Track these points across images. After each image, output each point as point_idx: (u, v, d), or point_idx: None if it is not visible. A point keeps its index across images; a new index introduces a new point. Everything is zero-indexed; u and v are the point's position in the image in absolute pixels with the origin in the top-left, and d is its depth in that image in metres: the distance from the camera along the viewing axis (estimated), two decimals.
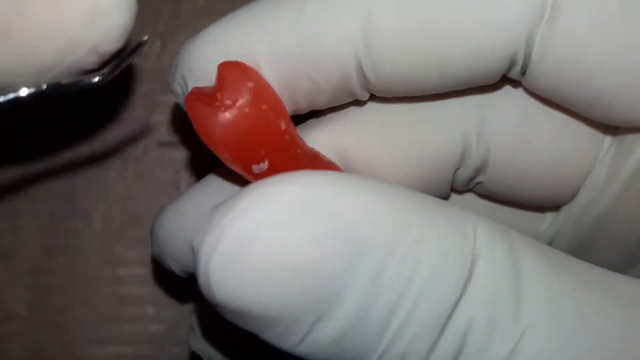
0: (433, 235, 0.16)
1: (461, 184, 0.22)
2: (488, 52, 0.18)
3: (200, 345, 0.24)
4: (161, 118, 0.30)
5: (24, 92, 0.16)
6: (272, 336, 0.16)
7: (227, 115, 0.18)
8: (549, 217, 0.24)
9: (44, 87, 0.16)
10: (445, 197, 0.23)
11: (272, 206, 0.15)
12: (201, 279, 0.15)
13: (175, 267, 0.23)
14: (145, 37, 0.19)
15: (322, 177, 0.16)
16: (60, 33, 0.16)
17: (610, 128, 0.21)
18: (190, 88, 0.19)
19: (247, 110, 0.18)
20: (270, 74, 0.19)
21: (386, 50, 0.18)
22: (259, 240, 0.15)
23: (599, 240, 0.21)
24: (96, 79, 0.17)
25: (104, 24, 0.17)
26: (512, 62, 0.19)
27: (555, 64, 0.18)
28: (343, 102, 0.20)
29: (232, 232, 0.15)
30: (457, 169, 0.21)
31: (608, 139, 0.21)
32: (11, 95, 0.16)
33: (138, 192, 0.30)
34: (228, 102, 0.18)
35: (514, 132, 0.21)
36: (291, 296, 0.15)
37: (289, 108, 0.20)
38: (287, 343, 0.16)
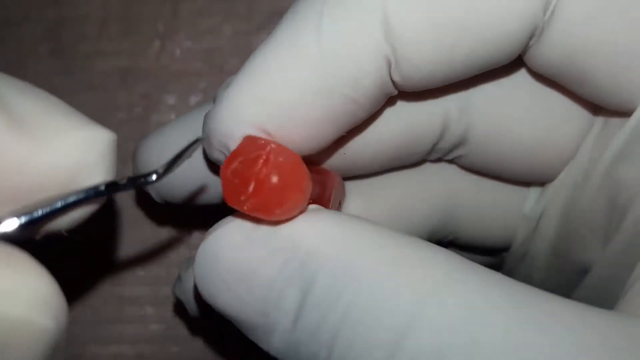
0: (379, 270, 0.17)
1: (437, 154, 0.23)
2: (510, 34, 0.18)
3: (184, 293, 0.24)
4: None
5: (81, 194, 0.15)
6: (253, 338, 0.18)
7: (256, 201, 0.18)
8: (534, 192, 0.24)
9: (102, 187, 0.16)
10: (418, 164, 0.24)
11: (235, 233, 0.18)
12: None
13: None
14: (200, 137, 0.18)
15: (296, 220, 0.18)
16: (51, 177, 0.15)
17: (602, 110, 0.21)
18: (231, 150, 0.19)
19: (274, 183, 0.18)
20: (307, 113, 0.19)
21: (409, 51, 0.18)
22: (223, 257, 0.18)
23: (580, 226, 0.22)
24: (152, 178, 0.17)
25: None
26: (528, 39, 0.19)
27: (551, 45, 0.19)
28: (377, 109, 0.20)
29: (205, 249, 0.18)
30: (436, 143, 0.22)
31: (599, 120, 0.21)
32: (72, 199, 0.15)
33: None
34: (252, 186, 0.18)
35: (496, 111, 0.22)
36: (249, 306, 0.18)
37: (332, 137, 0.20)
38: (262, 345, 0.18)
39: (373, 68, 0.18)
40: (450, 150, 0.23)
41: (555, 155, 0.22)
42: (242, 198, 0.18)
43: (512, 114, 0.22)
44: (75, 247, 0.30)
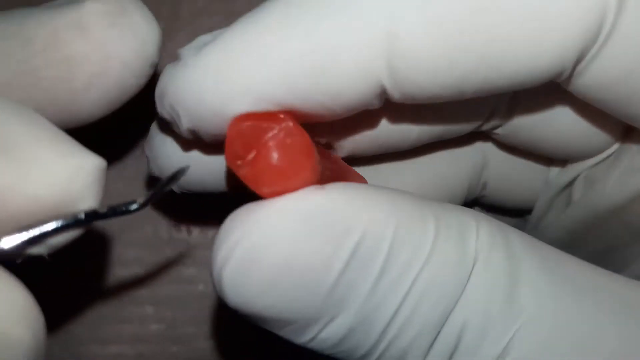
0: (435, 240, 0.17)
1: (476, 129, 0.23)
2: (535, 72, 0.17)
3: (152, 151, 0.23)
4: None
5: (60, 222, 0.15)
6: (286, 334, 0.17)
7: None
8: (554, 170, 0.25)
9: (82, 216, 0.15)
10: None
11: (275, 223, 0.16)
12: (216, 285, 0.17)
13: (185, 122, 0.19)
14: (186, 166, 0.18)
15: (324, 192, 0.17)
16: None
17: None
18: (181, 120, 0.18)
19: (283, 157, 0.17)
20: (278, 103, 0.17)
21: (416, 75, 0.17)
22: (264, 255, 0.16)
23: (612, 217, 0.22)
24: (133, 207, 0.17)
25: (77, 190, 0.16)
26: (556, 77, 0.18)
27: (599, 80, 0.18)
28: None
29: (241, 249, 0.16)
30: (481, 125, 0.22)
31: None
32: (50, 227, 0.15)
33: (137, 191, 0.30)
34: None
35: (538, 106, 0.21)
36: (299, 302, 0.16)
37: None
38: (299, 340, 0.17)
39: (358, 86, 0.17)
40: (491, 128, 0.23)
41: (592, 149, 0.22)
42: (239, 162, 0.17)
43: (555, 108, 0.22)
44: (75, 248, 0.30)
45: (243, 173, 0.17)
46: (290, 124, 0.17)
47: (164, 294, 0.30)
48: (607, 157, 0.23)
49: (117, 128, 0.30)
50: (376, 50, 0.16)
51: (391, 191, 0.18)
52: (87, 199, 0.16)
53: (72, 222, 0.15)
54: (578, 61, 0.17)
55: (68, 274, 0.29)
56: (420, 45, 0.16)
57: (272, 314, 0.17)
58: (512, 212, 0.27)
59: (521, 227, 0.26)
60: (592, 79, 0.18)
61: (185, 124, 0.18)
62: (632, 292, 0.18)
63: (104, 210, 0.16)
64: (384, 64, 0.17)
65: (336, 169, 0.20)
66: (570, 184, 0.24)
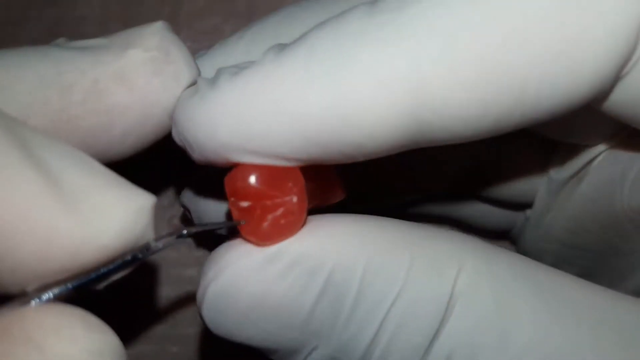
0: (409, 271, 0.17)
1: None
2: (574, 101, 0.16)
3: (191, 199, 0.24)
4: None
5: (122, 262, 0.16)
6: (277, 359, 0.18)
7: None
8: (554, 162, 0.24)
9: (140, 255, 0.16)
10: None
11: (244, 264, 0.17)
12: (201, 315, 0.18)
13: (195, 154, 0.19)
14: (187, 230, 0.17)
15: (299, 232, 0.18)
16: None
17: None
18: (192, 150, 0.18)
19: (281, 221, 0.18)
20: (294, 156, 0.17)
21: (446, 124, 0.16)
22: (236, 293, 0.17)
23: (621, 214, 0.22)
24: (152, 248, 0.16)
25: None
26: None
27: (633, 96, 0.17)
28: None
29: (215, 287, 0.17)
30: None
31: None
32: (114, 267, 0.15)
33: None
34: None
35: None
36: (276, 335, 0.17)
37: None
38: None
39: (388, 138, 0.16)
40: None
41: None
42: (232, 199, 0.17)
43: None
44: None
45: (232, 210, 0.18)
46: (295, 199, 0.17)
47: (164, 294, 0.30)
48: (606, 150, 0.22)
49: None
50: (403, 102, 0.16)
51: (366, 224, 0.18)
52: (146, 237, 0.16)
53: (133, 261, 0.16)
54: (614, 82, 0.17)
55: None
56: (449, 94, 0.16)
57: (254, 344, 0.18)
58: (512, 206, 0.27)
59: (522, 224, 0.26)
60: (627, 96, 0.17)
61: (195, 155, 0.18)
62: (632, 314, 0.17)
63: (159, 245, 0.16)
64: (411, 115, 0.16)
65: (322, 185, 0.20)
66: (572, 177, 0.24)
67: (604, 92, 0.17)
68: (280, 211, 0.17)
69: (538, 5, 0.15)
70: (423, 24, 0.15)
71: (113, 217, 0.15)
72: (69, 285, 0.15)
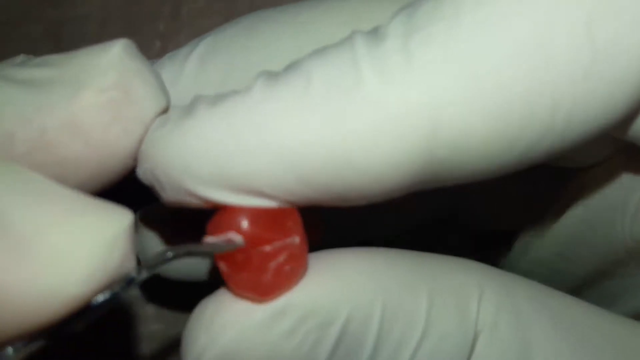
0: (429, 312, 0.16)
1: None
2: (607, 123, 0.15)
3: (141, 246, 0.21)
4: None
5: (98, 303, 0.13)
6: None
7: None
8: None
9: (119, 289, 0.13)
10: None
11: (243, 326, 0.15)
12: None
13: (168, 195, 0.16)
14: (172, 254, 0.15)
15: (298, 285, 0.15)
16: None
17: None
18: (164, 191, 0.15)
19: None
20: (286, 198, 0.15)
21: (467, 163, 0.14)
22: (241, 358, 0.15)
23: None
24: (134, 281, 0.14)
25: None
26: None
27: None
28: None
29: (212, 355, 0.15)
30: None
31: None
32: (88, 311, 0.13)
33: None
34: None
35: None
36: None
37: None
38: None
39: (396, 179, 0.14)
40: None
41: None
42: (233, 274, 0.15)
43: None
44: None
45: (222, 267, 0.15)
46: (297, 240, 0.15)
47: (164, 294, 0.30)
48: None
49: None
50: (415, 139, 0.14)
51: (375, 260, 0.16)
52: (125, 267, 0.13)
53: (112, 299, 0.13)
54: None
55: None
56: (468, 127, 0.14)
57: None
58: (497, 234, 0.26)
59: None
60: None
61: (167, 195, 0.15)
62: None
63: (142, 276, 0.14)
64: (424, 153, 0.14)
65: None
66: (565, 200, 0.22)
67: (631, 117, 0.15)
68: (283, 257, 0.15)
69: (565, 17, 0.13)
70: (436, 50, 0.13)
71: (78, 257, 0.12)
72: (33, 344, 0.12)
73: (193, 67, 0.19)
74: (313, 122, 0.14)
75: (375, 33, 0.14)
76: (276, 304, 0.15)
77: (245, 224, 0.15)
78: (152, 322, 0.30)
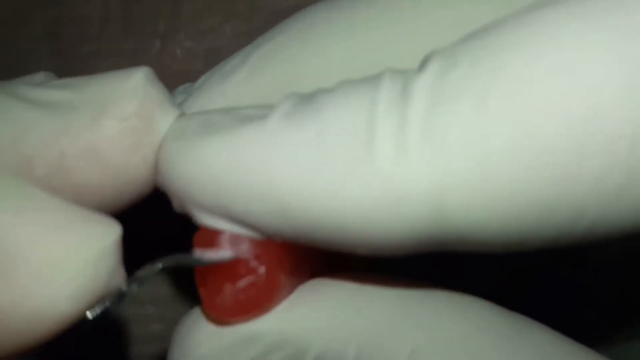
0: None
1: None
2: None
3: None
4: None
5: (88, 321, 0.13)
6: None
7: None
8: None
9: (108, 304, 0.13)
10: None
11: (214, 348, 0.15)
12: None
13: (175, 203, 0.17)
14: (159, 266, 0.15)
15: (272, 315, 0.15)
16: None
17: None
18: (172, 198, 0.16)
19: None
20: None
21: (476, 234, 0.13)
22: None
23: None
24: (124, 294, 0.14)
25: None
26: None
27: None
28: None
29: None
30: None
31: None
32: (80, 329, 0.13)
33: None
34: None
35: None
36: None
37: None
38: None
39: (398, 239, 0.14)
40: None
41: None
42: (203, 287, 0.16)
43: None
44: None
45: (196, 274, 0.16)
46: (262, 270, 0.15)
47: (164, 294, 0.30)
48: None
49: None
50: (417, 222, 0.13)
51: (357, 296, 0.15)
52: (115, 282, 0.13)
53: (103, 314, 0.13)
54: None
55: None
56: (483, 220, 0.13)
57: None
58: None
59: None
60: None
61: (175, 205, 0.16)
62: None
63: (133, 289, 0.14)
64: (428, 233, 0.13)
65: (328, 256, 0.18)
66: None
67: None
68: (242, 283, 0.15)
69: (604, 130, 0.12)
70: (455, 132, 0.12)
71: (66, 274, 0.12)
72: None
73: (242, 79, 0.19)
74: (316, 179, 0.13)
75: (404, 85, 0.13)
76: (248, 329, 0.15)
77: (226, 245, 0.15)
78: (152, 322, 0.30)
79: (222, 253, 0.15)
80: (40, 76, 0.16)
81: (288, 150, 0.13)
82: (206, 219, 0.15)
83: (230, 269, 0.15)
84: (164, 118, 0.15)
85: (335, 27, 0.18)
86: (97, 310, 0.13)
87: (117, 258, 0.13)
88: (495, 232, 0.13)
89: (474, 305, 0.16)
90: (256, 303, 0.15)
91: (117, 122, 0.15)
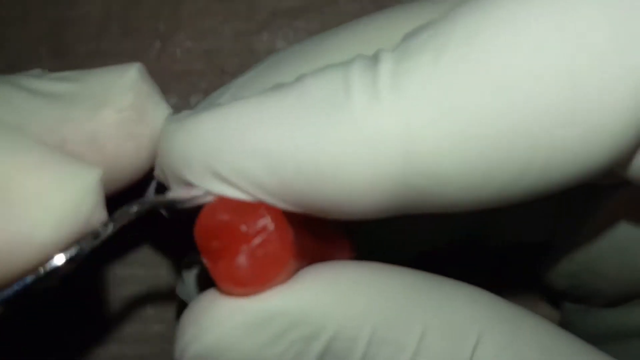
0: (421, 341, 0.15)
1: None
2: (589, 171, 0.14)
3: (187, 294, 0.22)
4: None
5: (69, 255, 0.13)
6: None
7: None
8: None
9: (89, 244, 0.14)
10: None
11: (229, 326, 0.15)
12: None
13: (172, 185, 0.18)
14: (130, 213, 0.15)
15: (288, 291, 0.16)
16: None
17: None
18: (169, 182, 0.17)
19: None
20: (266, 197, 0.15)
21: (442, 194, 0.14)
22: (221, 358, 0.15)
23: None
24: (100, 235, 0.14)
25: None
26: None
27: None
28: None
29: (193, 351, 0.15)
30: None
31: None
32: (60, 262, 0.13)
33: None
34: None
35: None
36: None
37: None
38: None
39: (372, 201, 0.15)
40: None
41: None
42: (213, 265, 0.16)
43: None
44: None
45: (205, 261, 0.16)
46: (271, 226, 0.15)
47: (164, 294, 0.30)
48: None
49: None
50: (390, 164, 0.14)
51: (375, 279, 0.16)
52: (96, 219, 0.14)
53: (77, 256, 0.14)
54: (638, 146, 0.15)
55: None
56: (443, 159, 0.14)
57: None
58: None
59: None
60: None
61: (173, 193, 0.16)
62: None
63: (108, 230, 0.14)
64: (400, 179, 0.14)
65: (326, 242, 0.18)
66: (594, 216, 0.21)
67: (625, 159, 0.15)
68: (256, 240, 0.15)
69: (547, 62, 0.13)
70: (417, 81, 0.14)
71: (49, 204, 0.13)
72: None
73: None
74: (297, 133, 0.14)
75: (375, 56, 0.15)
76: (264, 307, 0.15)
77: (221, 213, 0.15)
78: (152, 322, 0.30)
79: (194, 191, 0.16)
80: (36, 72, 0.17)
81: (272, 112, 0.15)
82: (203, 183, 0.15)
83: (240, 234, 0.15)
84: (156, 111, 0.17)
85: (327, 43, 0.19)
86: (73, 251, 0.13)
87: (98, 197, 0.14)
88: (458, 178, 0.14)
89: (481, 293, 0.17)
90: (273, 262, 0.15)
91: (115, 113, 0.16)
